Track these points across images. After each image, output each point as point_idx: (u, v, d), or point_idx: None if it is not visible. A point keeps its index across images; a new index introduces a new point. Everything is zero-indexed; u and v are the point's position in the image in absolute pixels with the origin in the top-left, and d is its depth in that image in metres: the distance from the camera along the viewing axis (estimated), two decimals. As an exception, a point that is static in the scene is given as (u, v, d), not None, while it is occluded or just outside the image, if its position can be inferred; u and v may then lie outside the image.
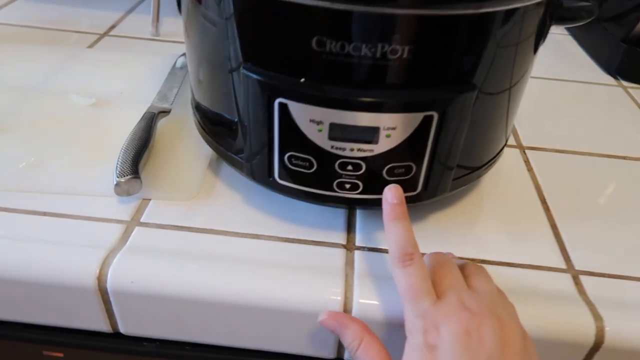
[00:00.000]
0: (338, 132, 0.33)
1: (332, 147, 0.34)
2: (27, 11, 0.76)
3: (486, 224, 0.44)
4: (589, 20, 0.41)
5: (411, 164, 0.35)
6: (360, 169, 0.35)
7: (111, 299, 0.37)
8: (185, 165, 0.46)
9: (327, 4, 0.29)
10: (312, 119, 0.33)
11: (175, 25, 0.75)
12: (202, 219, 0.42)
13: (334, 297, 0.36)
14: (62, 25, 0.73)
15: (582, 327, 0.36)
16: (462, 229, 0.43)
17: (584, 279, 0.39)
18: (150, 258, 0.38)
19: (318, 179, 0.36)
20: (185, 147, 0.49)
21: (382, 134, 0.33)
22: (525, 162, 0.52)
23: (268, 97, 0.33)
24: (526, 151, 0.54)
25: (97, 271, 0.37)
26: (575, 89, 0.68)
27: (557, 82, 0.69)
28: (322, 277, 0.37)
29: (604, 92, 0.67)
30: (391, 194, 0.35)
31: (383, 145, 0.34)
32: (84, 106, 0.53)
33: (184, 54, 0.62)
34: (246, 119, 0.36)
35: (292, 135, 0.34)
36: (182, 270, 0.37)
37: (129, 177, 0.41)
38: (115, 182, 0.41)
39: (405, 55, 0.31)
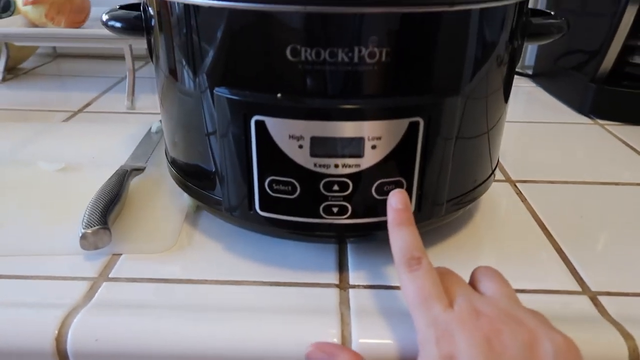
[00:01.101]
0: (320, 147, 0.31)
1: (315, 164, 0.32)
2: (2, 96, 0.76)
3: (489, 254, 0.41)
4: (559, 36, 0.41)
5: (401, 179, 0.33)
6: (347, 188, 0.33)
7: (72, 362, 0.32)
8: (160, 218, 0.43)
9: (299, 8, 0.28)
10: (291, 135, 0.31)
11: (151, 99, 0.75)
12: (179, 269, 0.38)
13: (330, 339, 0.32)
14: (37, 106, 0.72)
15: (614, 349, 0.32)
16: (463, 261, 0.40)
17: (602, 299, 0.36)
18: (118, 313, 0.33)
19: (303, 205, 0.33)
20: (160, 202, 0.46)
21: (367, 145, 0.31)
22: (517, 194, 0.50)
23: (244, 116, 0.31)
24: (517, 184, 0.52)
25: (56, 331, 0.32)
26: (554, 129, 0.68)
27: (536, 124, 0.69)
28: (315, 319, 0.33)
29: (582, 130, 0.68)
30: (395, 200, 0.32)
31: (369, 158, 0.32)
32: (51, 172, 0.50)
33: (159, 121, 0.61)
34: (222, 145, 0.34)
35: (272, 156, 0.32)
36: (156, 323, 0.32)
37: (96, 227, 0.37)
38: (80, 234, 0.37)
39: (384, 59, 0.30)
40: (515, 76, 0.91)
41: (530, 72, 0.92)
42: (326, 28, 0.29)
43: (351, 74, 0.30)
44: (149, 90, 0.78)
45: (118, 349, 0.31)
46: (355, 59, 0.29)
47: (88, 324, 0.32)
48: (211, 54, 0.32)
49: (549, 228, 0.44)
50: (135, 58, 0.72)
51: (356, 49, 0.29)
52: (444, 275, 0.30)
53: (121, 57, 0.72)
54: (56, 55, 1.00)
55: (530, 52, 0.94)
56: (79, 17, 0.74)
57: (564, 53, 0.80)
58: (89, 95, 0.77)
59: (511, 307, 0.28)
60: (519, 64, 0.95)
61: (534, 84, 0.88)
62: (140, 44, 0.40)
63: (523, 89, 0.86)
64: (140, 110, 0.71)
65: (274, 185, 0.33)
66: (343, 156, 0.31)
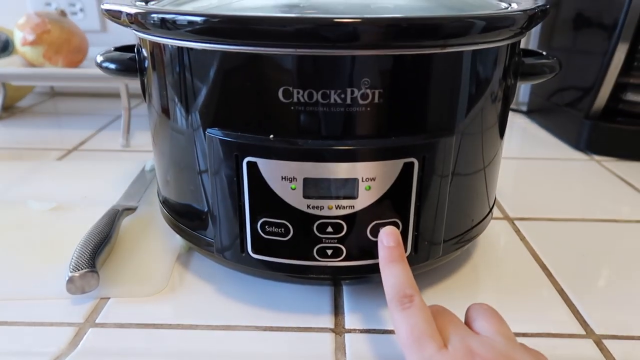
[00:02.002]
0: (313, 188, 0.31)
1: (308, 206, 0.31)
2: (-4, 135, 0.76)
3: (488, 295, 0.40)
4: (551, 76, 0.41)
5: (397, 220, 0.32)
6: (342, 230, 0.32)
7: (54, 416, 0.30)
8: (151, 260, 0.42)
9: (290, 51, 0.28)
10: (284, 176, 0.30)
11: (146, 137, 0.75)
12: (169, 314, 0.37)
13: (325, 387, 0.30)
14: (32, 144, 0.72)
15: (621, 396, 0.30)
16: (461, 302, 0.38)
17: (608, 343, 0.35)
18: (104, 361, 0.32)
19: (296, 247, 0.32)
20: (152, 242, 0.45)
21: (362, 186, 0.31)
22: (516, 232, 0.49)
23: (236, 157, 0.31)
24: (515, 222, 0.51)
25: (38, 382, 0.30)
26: (551, 165, 0.68)
27: (532, 160, 0.69)
28: (308, 366, 0.32)
29: (579, 166, 0.67)
30: (386, 237, 0.32)
31: (363, 199, 0.31)
32: (42, 211, 0.50)
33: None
34: (214, 186, 0.33)
35: (264, 198, 0.31)
36: (143, 372, 0.31)
37: (84, 271, 0.36)
38: (67, 278, 0.36)
39: (376, 100, 0.30)
40: (510, 112, 0.92)
41: (524, 108, 0.93)
42: (318, 70, 0.29)
43: (344, 115, 0.30)
44: (144, 128, 0.78)
45: (102, 402, 0.30)
46: (348, 101, 0.29)
47: (71, 375, 0.31)
48: (203, 95, 0.32)
49: (549, 267, 0.43)
50: (131, 96, 0.73)
51: (349, 91, 0.29)
52: (438, 314, 0.30)
53: (118, 95, 0.72)
54: (54, 93, 1.00)
55: (524, 88, 0.96)
56: (76, 57, 0.75)
57: (557, 90, 0.81)
58: (85, 133, 0.77)
59: (507, 348, 0.27)
60: (514, 101, 0.95)
61: (528, 120, 0.88)
62: (136, 83, 0.40)
63: (518, 125, 0.86)
64: (135, 148, 0.71)
65: (266, 227, 0.32)
66: (337, 197, 0.31)
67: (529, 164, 0.68)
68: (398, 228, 0.32)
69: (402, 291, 0.29)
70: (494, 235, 0.48)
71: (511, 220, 0.52)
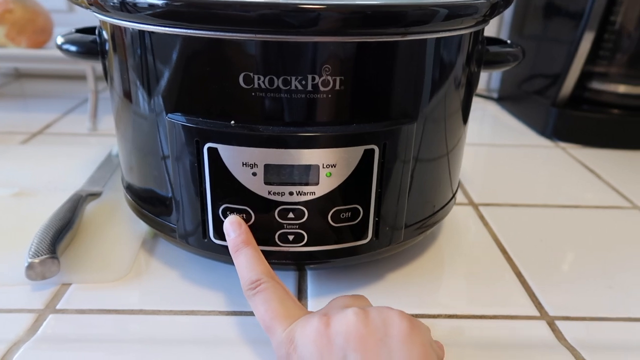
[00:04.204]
0: (274, 174, 0.31)
1: (269, 192, 0.31)
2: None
3: (450, 279, 0.41)
4: (515, 64, 0.42)
5: (357, 206, 0.33)
6: (303, 216, 0.32)
7: (11, 403, 0.30)
8: (115, 246, 0.42)
9: (250, 36, 0.28)
10: (245, 162, 0.30)
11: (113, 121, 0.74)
12: (132, 299, 0.36)
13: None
14: (-7, 128, 0.70)
15: (570, 375, 0.32)
16: (424, 286, 0.39)
17: (560, 324, 0.36)
18: (63, 347, 0.32)
19: (258, 233, 0.33)
20: (116, 228, 0.44)
21: (322, 172, 0.31)
22: (480, 217, 0.50)
23: (197, 143, 0.31)
24: (479, 207, 0.52)
25: (-5, 369, 0.30)
26: (517, 152, 0.69)
27: (500, 148, 0.71)
28: (270, 348, 0.32)
29: (545, 153, 0.69)
30: (227, 229, 0.32)
31: (324, 186, 0.31)
32: (3, 197, 0.49)
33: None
34: (176, 172, 0.33)
35: (225, 184, 0.31)
36: (105, 357, 0.31)
37: (44, 257, 0.36)
38: (27, 264, 0.35)
39: (338, 87, 0.30)
40: (481, 99, 0.94)
41: (495, 95, 0.94)
42: (278, 56, 0.29)
43: (305, 102, 0.30)
44: (111, 112, 0.76)
45: (60, 388, 0.30)
46: (309, 87, 0.29)
47: (30, 360, 0.30)
48: (164, 79, 0.31)
49: (510, 252, 0.44)
50: (99, 78, 0.71)
51: (309, 77, 0.29)
52: (351, 297, 0.31)
53: (85, 77, 0.70)
54: (18, 75, 0.97)
55: (495, 76, 0.97)
56: (41, 37, 0.73)
57: (527, 78, 0.82)
58: (51, 116, 0.75)
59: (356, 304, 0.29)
60: (485, 88, 0.97)
61: (499, 107, 0.90)
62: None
63: (489, 112, 0.88)
64: (102, 132, 0.70)
65: (228, 212, 0.32)
66: (298, 184, 0.31)
67: (497, 151, 0.70)
68: (359, 214, 0.33)
69: (248, 279, 0.30)
70: (459, 221, 0.49)
71: (476, 206, 0.53)
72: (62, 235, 0.39)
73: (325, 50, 0.29)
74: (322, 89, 0.29)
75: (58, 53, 0.67)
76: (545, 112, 0.74)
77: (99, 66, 0.69)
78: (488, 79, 0.97)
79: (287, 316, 0.28)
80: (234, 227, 0.32)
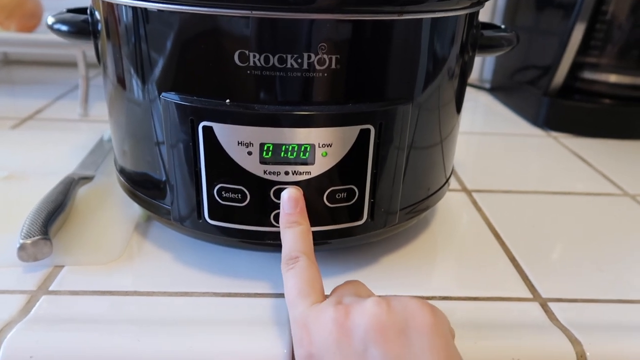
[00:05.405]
0: (270, 154, 0.31)
1: (264, 172, 0.31)
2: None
3: (443, 262, 0.41)
4: (509, 49, 0.42)
5: (353, 187, 0.33)
6: (299, 196, 0.32)
7: (3, 382, 0.30)
8: (107, 229, 0.41)
9: (246, 13, 0.28)
10: (240, 141, 0.30)
11: (105, 107, 0.73)
12: (126, 281, 0.36)
13: (280, 350, 0.31)
14: (-19, 113, 0.69)
15: (561, 354, 0.32)
16: (418, 269, 0.40)
17: (552, 305, 0.36)
18: (56, 328, 0.31)
19: (252, 213, 0.32)
20: (109, 212, 0.44)
21: (318, 152, 0.31)
22: (473, 203, 0.51)
23: (191, 122, 0.30)
24: (473, 194, 0.53)
25: (-14, 349, 0.30)
26: (510, 141, 0.70)
27: (492, 137, 0.71)
28: (266, 330, 0.32)
29: (536, 142, 0.69)
30: (286, 203, 0.32)
31: (320, 165, 0.31)
32: (-7, 180, 0.48)
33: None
34: (171, 152, 0.33)
35: (221, 163, 0.31)
36: (99, 338, 0.31)
37: (36, 238, 0.35)
38: (19, 245, 0.35)
39: (333, 66, 0.29)
40: (474, 89, 0.94)
41: (488, 85, 0.94)
42: (274, 34, 0.28)
43: (301, 80, 0.30)
44: (103, 98, 0.75)
45: (54, 366, 0.29)
46: (305, 66, 0.29)
47: (22, 340, 0.30)
48: (158, 58, 0.31)
49: (503, 237, 0.45)
50: (89, 65, 0.70)
51: (305, 56, 0.29)
52: (349, 283, 0.31)
53: (75, 64, 0.69)
54: (7, 61, 0.96)
55: (488, 66, 0.97)
56: (30, 22, 0.72)
57: (519, 68, 0.83)
58: (41, 102, 0.74)
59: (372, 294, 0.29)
60: (477, 78, 0.97)
61: (491, 97, 0.90)
62: (93, 50, 0.39)
63: (481, 102, 0.88)
64: (93, 119, 0.69)
65: (223, 193, 0.32)
66: (293, 163, 0.31)
67: (489, 140, 0.70)
68: (354, 195, 0.33)
69: (289, 254, 0.30)
70: (452, 206, 0.49)
71: (469, 192, 0.53)
72: (54, 217, 0.39)
73: (321, 28, 0.29)
74: (318, 67, 0.29)
75: (48, 37, 0.67)
76: (537, 101, 0.74)
77: (89, 51, 0.69)
78: (480, 69, 0.97)
79: (310, 295, 0.28)
80: (290, 205, 0.32)
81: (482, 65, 0.98)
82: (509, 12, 0.87)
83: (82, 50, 0.66)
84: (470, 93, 0.90)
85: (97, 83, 0.83)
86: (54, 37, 0.42)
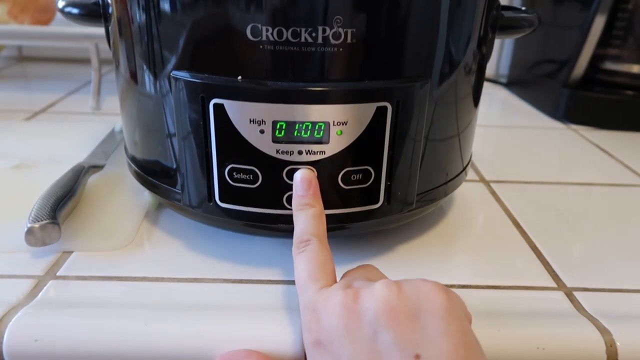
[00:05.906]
0: (283, 132, 0.29)
1: (277, 151, 0.30)
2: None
3: (462, 251, 0.39)
4: (530, 32, 0.41)
5: (369, 167, 0.31)
6: (312, 177, 0.31)
7: (8, 365, 0.29)
8: (117, 216, 0.40)
9: (259, -17, 0.27)
10: (252, 119, 0.29)
11: (117, 101, 0.73)
12: (135, 267, 0.35)
13: (290, 337, 0.29)
14: (-4, 107, 0.69)
15: (590, 343, 0.30)
16: (436, 257, 0.38)
17: (578, 295, 0.35)
18: (62, 312, 0.30)
19: (264, 195, 0.31)
20: (119, 199, 0.43)
21: (333, 130, 0.30)
22: (491, 193, 0.49)
23: (202, 100, 0.29)
24: (491, 184, 0.51)
25: (-8, 332, 0.29)
26: (528, 133, 0.68)
27: (510, 129, 0.69)
28: (275, 317, 0.31)
29: (556, 134, 0.68)
30: (298, 184, 0.31)
31: (335, 144, 0.30)
32: (3, 168, 0.48)
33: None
34: (181, 132, 0.32)
35: (232, 142, 0.30)
36: (105, 323, 0.30)
37: (44, 222, 0.35)
38: (27, 229, 0.34)
39: (349, 40, 0.28)
40: (490, 84, 0.92)
41: (504, 80, 0.92)
42: (288, 6, 0.27)
43: (315, 55, 0.28)
44: (115, 93, 0.75)
45: (59, 350, 0.29)
46: (320, 40, 0.28)
47: (28, 324, 0.29)
48: (168, 35, 0.30)
49: (523, 226, 0.43)
50: (102, 61, 0.70)
51: (320, 29, 0.28)
52: (362, 267, 0.30)
53: (89, 61, 0.69)
54: (21, 58, 0.97)
55: (504, 61, 0.95)
56: (43, 16, 0.72)
57: (537, 61, 0.81)
58: (54, 96, 0.74)
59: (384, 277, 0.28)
60: (494, 73, 0.95)
61: (508, 92, 0.88)
62: (106, 44, 0.38)
63: (498, 96, 0.86)
64: (105, 112, 0.69)
65: (234, 174, 0.31)
66: (307, 142, 0.30)
67: (507, 132, 0.68)
68: (370, 177, 0.32)
69: (300, 237, 0.29)
70: (470, 196, 0.48)
71: (487, 183, 0.51)
72: (63, 202, 0.38)
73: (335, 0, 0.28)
74: (333, 41, 0.28)
75: (61, 30, 0.66)
76: (556, 94, 0.72)
77: (102, 43, 0.68)
78: (497, 64, 0.95)
79: (320, 278, 0.27)
80: (303, 186, 0.30)
81: (499, 60, 0.96)
82: (527, 4, 0.85)
83: (94, 42, 0.66)
84: (486, 88, 0.89)
85: (110, 78, 0.83)
86: (67, 29, 0.42)
